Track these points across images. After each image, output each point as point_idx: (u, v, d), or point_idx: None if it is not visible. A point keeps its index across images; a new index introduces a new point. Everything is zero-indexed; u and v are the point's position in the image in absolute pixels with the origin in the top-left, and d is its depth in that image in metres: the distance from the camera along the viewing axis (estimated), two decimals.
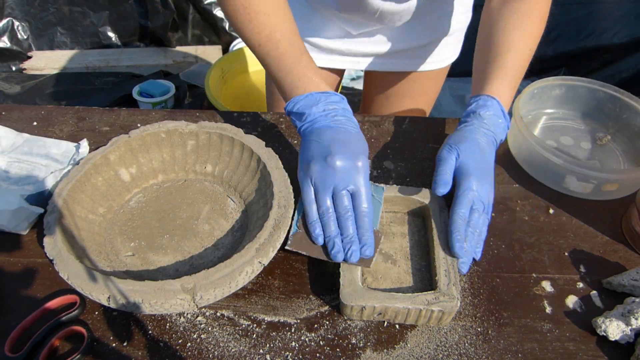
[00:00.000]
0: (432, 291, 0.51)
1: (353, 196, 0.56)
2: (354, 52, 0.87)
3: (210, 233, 0.61)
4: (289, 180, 0.59)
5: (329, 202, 0.56)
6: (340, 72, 0.98)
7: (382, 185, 0.62)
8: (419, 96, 0.96)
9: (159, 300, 0.47)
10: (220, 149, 0.66)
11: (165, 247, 0.59)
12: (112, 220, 0.62)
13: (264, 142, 0.64)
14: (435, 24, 0.83)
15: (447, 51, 0.91)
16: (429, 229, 0.59)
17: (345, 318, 0.53)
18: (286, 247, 0.56)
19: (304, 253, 0.56)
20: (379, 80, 0.98)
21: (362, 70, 1.00)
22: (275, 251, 0.53)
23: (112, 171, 0.64)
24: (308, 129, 0.60)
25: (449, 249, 0.55)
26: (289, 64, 0.61)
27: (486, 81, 0.64)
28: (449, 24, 0.84)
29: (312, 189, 0.57)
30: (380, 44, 0.85)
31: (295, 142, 0.75)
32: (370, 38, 0.84)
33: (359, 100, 2.04)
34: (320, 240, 0.56)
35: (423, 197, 0.61)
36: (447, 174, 0.59)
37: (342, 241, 0.55)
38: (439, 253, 0.54)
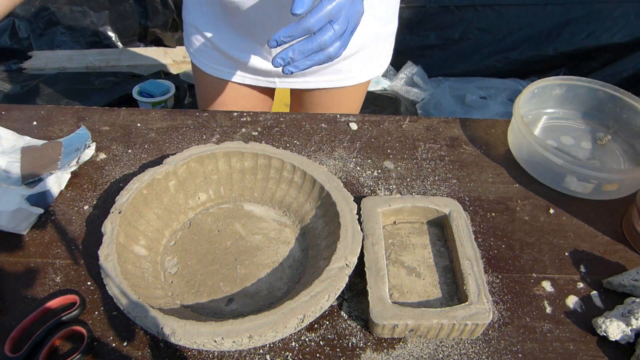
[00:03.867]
0: (464, 304, 0.50)
1: None
2: (264, 71, 0.85)
3: (265, 263, 0.57)
4: (355, 212, 0.56)
5: None
6: (269, 91, 0.95)
7: None
8: (343, 106, 0.93)
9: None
10: (281, 175, 0.64)
11: (217, 276, 0.56)
12: (163, 250, 0.59)
13: (326, 168, 0.61)
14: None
15: (370, 63, 0.87)
16: (449, 239, 0.58)
17: (345, 318, 0.53)
18: None
19: None
20: (301, 97, 0.95)
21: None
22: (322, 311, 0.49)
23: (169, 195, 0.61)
24: None
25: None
26: None
27: None
28: (362, 37, 0.79)
29: None
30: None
31: (296, 142, 0.75)
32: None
33: None
34: None
35: (441, 205, 0.59)
36: None
37: None
38: (465, 262, 0.53)
